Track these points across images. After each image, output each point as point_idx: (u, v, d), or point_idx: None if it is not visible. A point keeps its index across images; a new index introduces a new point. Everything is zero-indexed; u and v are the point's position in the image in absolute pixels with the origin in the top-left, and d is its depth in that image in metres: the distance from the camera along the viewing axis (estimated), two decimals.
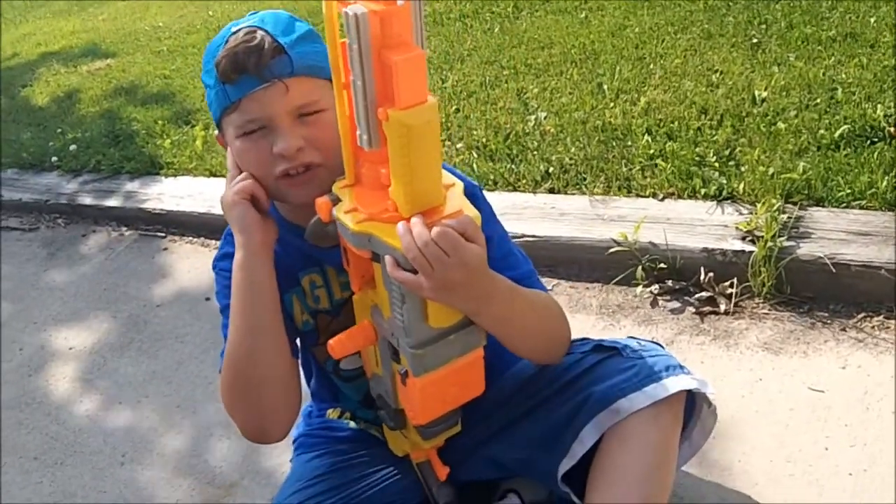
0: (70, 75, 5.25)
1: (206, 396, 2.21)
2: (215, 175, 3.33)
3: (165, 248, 3.06)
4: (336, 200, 1.17)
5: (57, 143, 3.93)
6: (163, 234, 3.16)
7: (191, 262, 2.92)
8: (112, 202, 3.35)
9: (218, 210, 3.01)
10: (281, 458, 1.91)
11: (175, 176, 3.43)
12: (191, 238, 3.09)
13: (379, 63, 1.01)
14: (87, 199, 3.43)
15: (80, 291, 2.88)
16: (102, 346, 2.54)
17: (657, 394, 1.32)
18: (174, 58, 5.03)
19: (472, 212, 1.12)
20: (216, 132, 1.34)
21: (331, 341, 1.28)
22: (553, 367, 1.42)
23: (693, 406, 1.44)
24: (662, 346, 1.45)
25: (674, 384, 1.33)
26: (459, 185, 1.17)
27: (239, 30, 1.24)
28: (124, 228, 3.27)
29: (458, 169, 2.79)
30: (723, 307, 2.08)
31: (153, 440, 2.11)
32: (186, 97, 4.21)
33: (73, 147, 3.82)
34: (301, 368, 1.56)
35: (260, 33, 1.22)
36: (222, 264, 1.44)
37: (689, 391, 1.36)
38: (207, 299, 2.63)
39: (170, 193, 3.30)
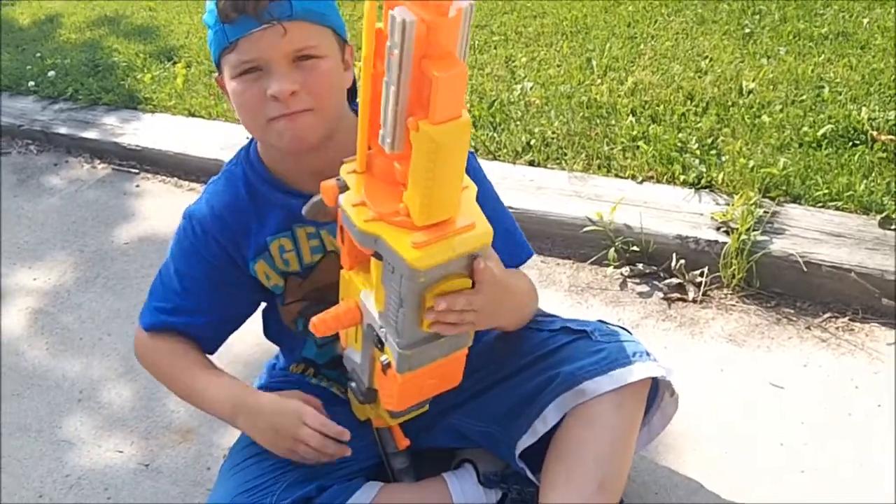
0: None
1: None
2: (194, 115, 3.28)
3: (138, 186, 3.02)
4: (343, 187, 1.11)
5: (35, 68, 3.84)
6: (136, 171, 3.11)
7: (162, 202, 2.89)
8: (87, 133, 3.29)
9: (194, 151, 2.99)
10: None
11: (153, 112, 3.37)
12: (164, 177, 3.05)
13: (418, 72, 0.94)
14: (61, 128, 3.36)
15: (48, 222, 2.84)
16: (67, 279, 2.51)
17: (623, 378, 1.33)
18: None
19: (484, 227, 1.07)
20: (216, 74, 1.33)
21: (314, 320, 1.24)
22: (522, 344, 1.43)
23: (656, 392, 1.46)
24: (630, 332, 1.47)
25: (640, 370, 1.35)
26: (472, 189, 1.12)
27: None
28: (97, 161, 3.22)
29: None
30: (691, 295, 2.10)
31: (112, 379, 2.10)
32: (171, 32, 4.12)
33: (51, 73, 3.73)
34: (266, 318, 1.56)
35: None
36: (193, 224, 1.43)
37: (653, 378, 1.38)
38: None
39: (146, 129, 3.24)
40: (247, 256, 1.41)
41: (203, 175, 2.89)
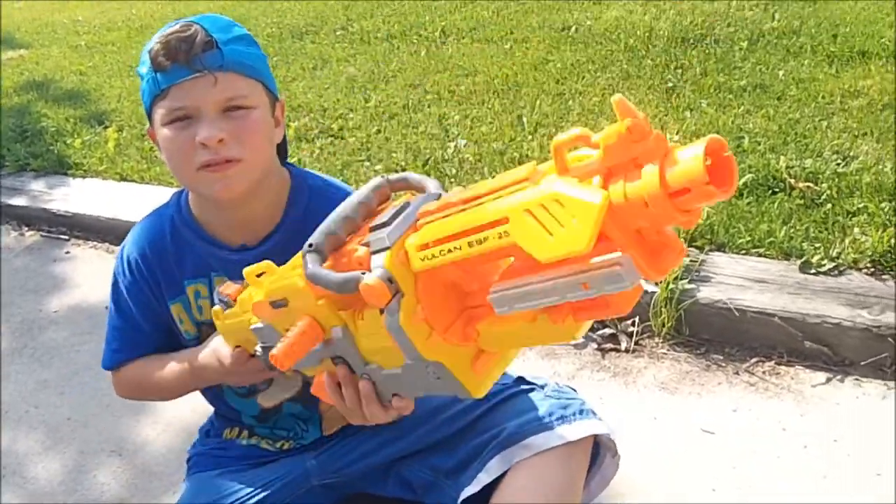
0: None
1: (100, 410, 2.14)
2: (126, 179, 3.26)
3: (68, 252, 2.97)
4: (397, 293, 0.91)
5: None
6: (66, 238, 3.07)
7: (94, 268, 2.85)
8: (14, 200, 3.24)
9: (126, 216, 2.96)
10: (173, 477, 1.88)
11: (83, 177, 3.34)
12: (95, 243, 3.01)
13: None
14: None
15: None
16: None
17: (568, 435, 1.34)
18: (92, 54, 4.92)
19: None
20: (148, 126, 1.34)
21: (274, 352, 1.05)
22: None
23: (596, 455, 1.47)
24: (576, 391, 1.48)
25: (584, 428, 1.36)
26: None
27: (176, 23, 1.26)
28: (26, 228, 3.17)
29: None
30: (623, 345, 2.13)
31: (39, 453, 2.04)
32: (101, 96, 4.11)
33: None
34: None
35: (196, 27, 1.24)
36: (124, 265, 1.44)
37: (595, 441, 1.40)
38: (107, 308, 2.55)
39: (77, 195, 3.21)
40: (165, 296, 1.42)
41: None
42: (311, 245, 1.00)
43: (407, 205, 0.94)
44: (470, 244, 0.82)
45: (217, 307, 1.25)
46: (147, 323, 1.45)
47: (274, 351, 1.03)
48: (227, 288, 1.24)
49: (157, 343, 1.47)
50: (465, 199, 0.85)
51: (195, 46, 1.22)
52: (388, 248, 0.90)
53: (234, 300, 1.22)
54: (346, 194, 1.43)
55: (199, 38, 1.22)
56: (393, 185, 1.05)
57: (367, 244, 0.94)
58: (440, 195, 0.95)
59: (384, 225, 0.93)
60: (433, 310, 0.90)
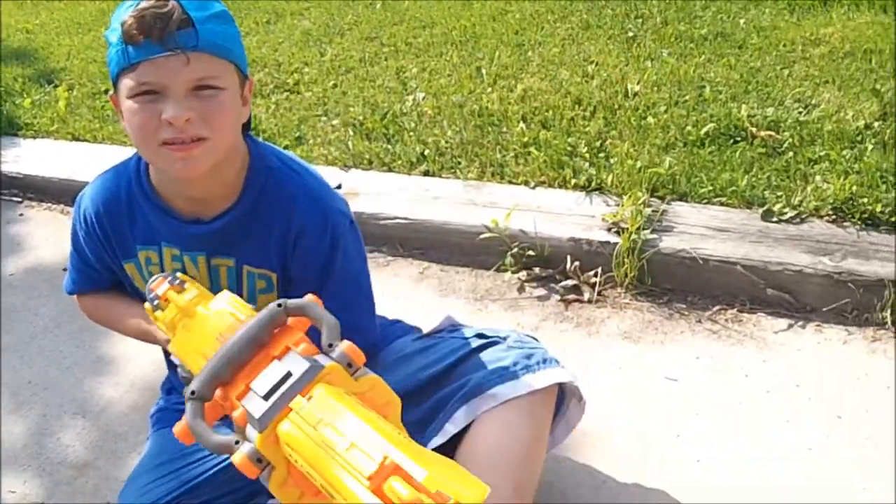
0: None
1: (61, 372, 2.11)
2: (78, 139, 3.18)
3: (21, 215, 2.91)
4: (267, 474, 0.96)
5: None
6: (19, 199, 3.00)
7: (49, 230, 2.79)
8: None
9: (81, 177, 2.90)
10: (138, 437, 1.86)
11: (34, 138, 3.25)
12: (50, 205, 2.95)
13: None
14: None
15: None
16: None
17: (532, 384, 1.36)
18: (38, 11, 4.78)
19: None
20: (111, 92, 1.31)
21: (175, 430, 1.09)
22: (436, 350, 1.46)
23: (562, 401, 1.48)
24: (538, 341, 1.49)
25: (548, 376, 1.38)
26: None
27: None
28: None
29: (333, 146, 2.76)
30: (586, 296, 2.14)
31: (1, 417, 2.01)
32: (50, 55, 4.00)
33: None
34: None
35: (172, 3, 1.20)
36: (82, 215, 1.44)
37: (559, 387, 1.41)
38: (65, 270, 2.50)
39: (28, 156, 3.13)
40: (119, 255, 1.44)
41: None
42: (193, 392, 1.01)
43: (288, 375, 0.95)
44: (323, 486, 0.87)
45: (148, 305, 1.26)
46: (101, 267, 1.49)
47: (175, 428, 1.07)
48: (158, 286, 1.25)
49: (112, 281, 1.51)
50: (326, 441, 0.87)
51: (171, 24, 1.18)
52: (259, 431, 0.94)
53: (164, 302, 1.23)
54: (304, 175, 1.41)
55: (176, 16, 1.18)
56: (290, 313, 1.05)
57: (244, 409, 0.96)
58: (322, 366, 0.96)
59: (262, 397, 0.95)
60: (303, 479, 0.93)
